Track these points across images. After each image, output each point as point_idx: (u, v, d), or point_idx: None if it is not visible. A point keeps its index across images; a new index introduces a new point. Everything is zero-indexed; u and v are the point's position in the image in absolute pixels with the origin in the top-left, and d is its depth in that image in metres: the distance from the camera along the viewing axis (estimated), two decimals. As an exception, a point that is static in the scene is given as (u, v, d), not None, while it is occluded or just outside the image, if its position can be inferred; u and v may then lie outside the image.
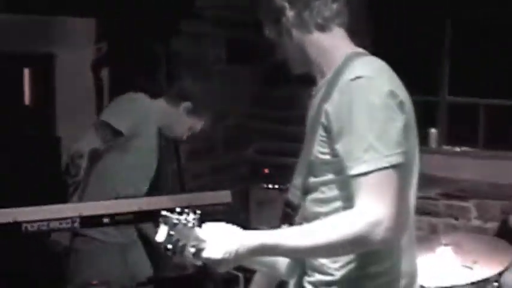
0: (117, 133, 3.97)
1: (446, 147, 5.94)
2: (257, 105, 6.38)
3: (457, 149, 5.90)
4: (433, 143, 5.87)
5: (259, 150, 6.27)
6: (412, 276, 2.27)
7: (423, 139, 5.86)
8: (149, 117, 4.10)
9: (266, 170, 5.49)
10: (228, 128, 6.13)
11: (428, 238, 4.27)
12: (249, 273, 2.91)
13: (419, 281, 3.61)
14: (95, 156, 4.03)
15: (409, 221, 2.19)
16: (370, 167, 1.97)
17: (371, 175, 1.98)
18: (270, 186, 5.32)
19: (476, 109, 5.91)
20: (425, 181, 5.27)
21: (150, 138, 4.17)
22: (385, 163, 1.98)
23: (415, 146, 2.20)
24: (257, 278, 2.71)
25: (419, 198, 5.31)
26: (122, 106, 4.14)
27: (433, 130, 5.87)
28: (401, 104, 2.06)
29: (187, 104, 4.16)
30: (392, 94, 2.03)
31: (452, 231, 5.28)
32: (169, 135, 4.37)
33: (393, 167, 1.99)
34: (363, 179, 1.98)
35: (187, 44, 5.61)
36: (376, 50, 6.05)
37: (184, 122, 4.22)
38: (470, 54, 5.86)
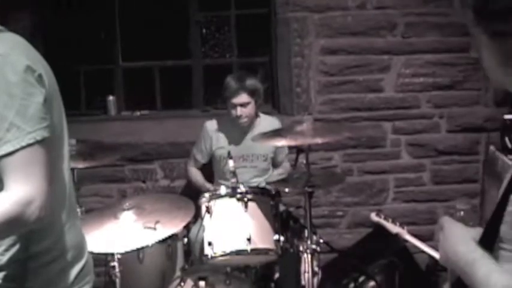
0: None
1: (125, 113, 5.98)
2: None
3: (137, 113, 5.98)
4: (112, 111, 5.88)
5: None
6: (80, 248, 2.28)
7: (102, 108, 5.91)
8: None
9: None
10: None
11: (109, 205, 4.30)
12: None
13: (102, 249, 3.69)
14: None
15: (66, 193, 2.20)
16: (14, 146, 1.95)
17: (17, 154, 1.95)
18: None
19: (151, 72, 6.02)
20: (109, 149, 5.32)
21: None
22: (29, 140, 1.96)
23: (62, 118, 2.20)
24: None
25: (104, 166, 5.32)
26: None
27: (111, 97, 5.88)
28: (40, 78, 2.04)
29: None
30: (29, 69, 2.01)
31: (140, 194, 5.36)
32: None
33: (38, 142, 1.97)
34: (9, 159, 1.95)
35: None
36: (46, 24, 5.83)
37: None
38: (139, 18, 5.94)
